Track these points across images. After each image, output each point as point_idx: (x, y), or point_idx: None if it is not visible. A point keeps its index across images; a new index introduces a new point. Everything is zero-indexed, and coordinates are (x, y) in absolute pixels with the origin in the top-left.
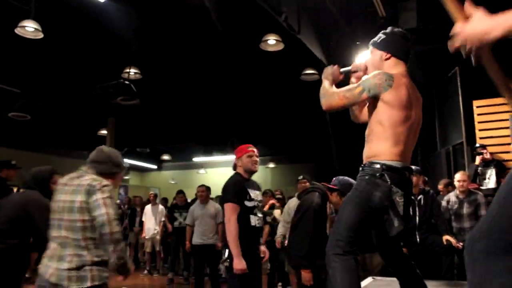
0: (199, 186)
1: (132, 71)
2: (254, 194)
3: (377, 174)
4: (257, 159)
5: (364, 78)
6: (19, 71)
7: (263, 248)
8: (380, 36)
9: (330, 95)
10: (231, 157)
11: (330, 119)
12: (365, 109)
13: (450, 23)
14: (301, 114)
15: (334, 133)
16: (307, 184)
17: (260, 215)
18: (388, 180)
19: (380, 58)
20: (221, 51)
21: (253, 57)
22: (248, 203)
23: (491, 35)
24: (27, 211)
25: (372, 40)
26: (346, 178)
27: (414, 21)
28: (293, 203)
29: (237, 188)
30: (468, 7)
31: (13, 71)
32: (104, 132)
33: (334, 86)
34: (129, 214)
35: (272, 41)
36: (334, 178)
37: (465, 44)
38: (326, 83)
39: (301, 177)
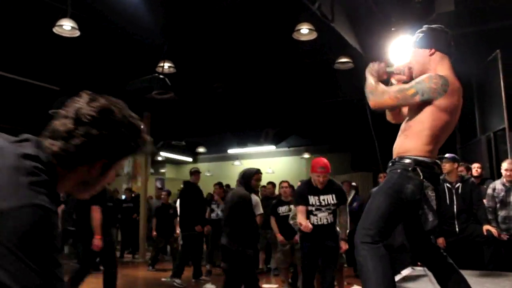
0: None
1: (166, 65)
2: (314, 199)
3: (409, 168)
4: (322, 179)
5: (418, 79)
6: (58, 69)
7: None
8: (419, 35)
9: (380, 93)
10: (266, 148)
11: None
12: (403, 110)
13: (489, 5)
14: (335, 104)
15: (374, 122)
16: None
17: (321, 214)
18: (420, 174)
19: (424, 55)
20: (254, 41)
21: (286, 47)
22: (308, 207)
23: None
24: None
25: (411, 42)
26: None
27: (451, 4)
28: None
29: (298, 195)
30: None
31: (52, 69)
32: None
33: (380, 83)
34: None
35: (305, 30)
36: None
37: None
38: (372, 80)
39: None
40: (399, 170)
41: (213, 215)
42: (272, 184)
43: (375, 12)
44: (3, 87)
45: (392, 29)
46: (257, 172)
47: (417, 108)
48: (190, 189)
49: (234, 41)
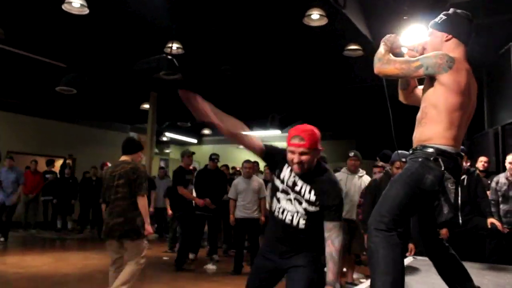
0: (246, 162)
1: (175, 46)
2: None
3: (431, 158)
4: (297, 157)
5: (425, 55)
6: (66, 47)
7: None
8: (442, 17)
9: (386, 61)
10: (272, 133)
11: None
12: (416, 92)
13: None
14: (342, 90)
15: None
16: (358, 162)
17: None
18: (442, 165)
19: (440, 39)
20: (264, 24)
21: (296, 32)
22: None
23: None
24: None
25: (432, 21)
26: (406, 152)
27: None
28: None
29: None
30: None
31: (60, 46)
32: (146, 106)
33: (390, 54)
34: None
35: (316, 16)
36: (394, 153)
37: None
38: (383, 48)
39: (352, 153)
40: (420, 159)
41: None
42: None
43: (387, 0)
44: (11, 62)
45: (404, 18)
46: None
47: (427, 92)
48: (208, 173)
49: (243, 23)
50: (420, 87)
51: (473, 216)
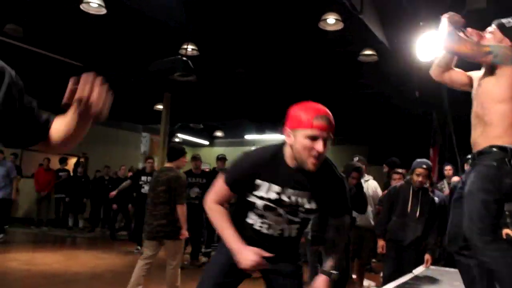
0: None
1: (190, 47)
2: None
3: (506, 159)
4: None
5: (498, 44)
6: (83, 46)
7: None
8: (510, 21)
9: (459, 39)
10: (283, 137)
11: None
12: (450, 73)
13: None
14: (356, 95)
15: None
16: (363, 166)
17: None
18: None
19: (499, 42)
20: (280, 28)
21: (311, 36)
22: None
23: None
24: None
25: (499, 20)
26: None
27: (483, 1)
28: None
29: None
30: None
31: (77, 45)
32: (160, 106)
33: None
34: None
35: (331, 20)
36: (416, 161)
37: None
38: (448, 25)
39: (356, 158)
40: (494, 163)
41: None
42: None
43: (404, 6)
44: (29, 61)
45: (420, 23)
46: None
47: (489, 86)
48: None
49: (258, 26)
50: (457, 70)
51: None
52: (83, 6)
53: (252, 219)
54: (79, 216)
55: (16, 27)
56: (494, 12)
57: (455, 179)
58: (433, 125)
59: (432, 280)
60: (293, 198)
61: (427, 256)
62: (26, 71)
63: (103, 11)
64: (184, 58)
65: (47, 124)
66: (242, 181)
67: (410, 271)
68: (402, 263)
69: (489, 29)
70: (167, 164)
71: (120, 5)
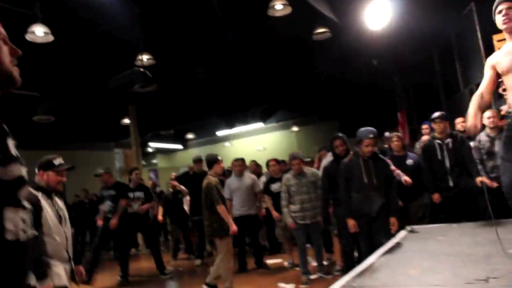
0: (236, 160)
1: (145, 57)
2: None
3: None
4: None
5: None
6: (36, 76)
7: None
8: None
9: None
10: (254, 126)
11: None
12: (488, 89)
13: None
14: (316, 74)
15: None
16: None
17: None
18: None
19: None
20: (231, 22)
21: (263, 24)
22: None
23: None
24: None
25: None
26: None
27: None
28: None
29: None
30: None
31: (31, 76)
32: (127, 121)
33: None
34: None
35: (279, 6)
36: (360, 130)
37: None
38: None
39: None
40: None
41: None
42: (255, 162)
43: None
44: None
45: None
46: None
47: None
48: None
49: (210, 24)
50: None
51: (462, 178)
52: (28, 36)
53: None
54: None
55: None
56: None
57: (425, 138)
58: (396, 89)
59: (418, 238)
60: None
61: (392, 220)
62: None
63: (51, 38)
64: (142, 70)
65: None
66: None
67: (381, 241)
68: (372, 234)
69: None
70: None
71: (68, 28)
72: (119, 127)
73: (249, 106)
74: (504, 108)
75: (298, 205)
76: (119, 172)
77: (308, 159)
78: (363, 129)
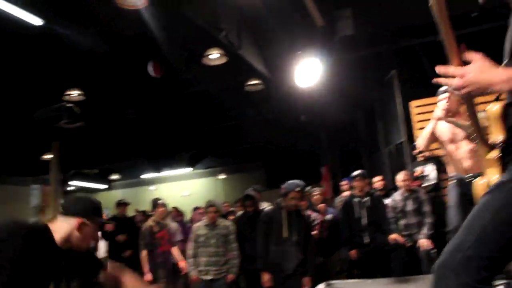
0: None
1: (75, 92)
2: None
3: None
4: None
5: None
6: None
7: None
8: None
9: None
10: (181, 171)
11: None
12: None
13: (385, 29)
14: (247, 123)
15: None
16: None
17: None
18: None
19: None
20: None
21: (195, 72)
22: None
23: (496, 88)
24: None
25: None
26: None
27: (351, 28)
28: None
29: None
30: (467, 52)
31: None
32: (48, 156)
33: None
34: None
35: (215, 55)
36: (288, 183)
37: (464, 86)
38: None
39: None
40: None
41: None
42: (175, 208)
43: (282, 36)
44: None
45: (299, 52)
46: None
47: None
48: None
49: (143, 68)
50: None
51: (377, 235)
52: None
53: None
54: None
55: None
56: (361, 38)
57: (345, 194)
58: (322, 145)
59: None
60: None
61: (306, 280)
62: None
63: None
64: (69, 105)
65: None
66: None
67: None
68: None
69: None
70: None
71: None
72: (38, 162)
73: (177, 151)
74: (418, 170)
75: (204, 258)
76: (35, 210)
77: (232, 209)
78: (291, 181)
